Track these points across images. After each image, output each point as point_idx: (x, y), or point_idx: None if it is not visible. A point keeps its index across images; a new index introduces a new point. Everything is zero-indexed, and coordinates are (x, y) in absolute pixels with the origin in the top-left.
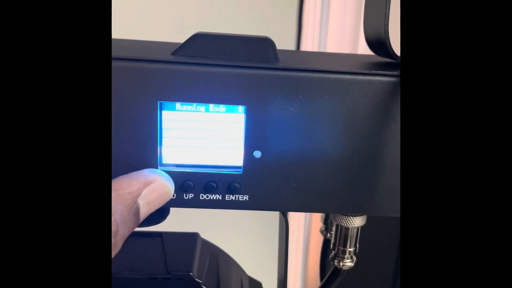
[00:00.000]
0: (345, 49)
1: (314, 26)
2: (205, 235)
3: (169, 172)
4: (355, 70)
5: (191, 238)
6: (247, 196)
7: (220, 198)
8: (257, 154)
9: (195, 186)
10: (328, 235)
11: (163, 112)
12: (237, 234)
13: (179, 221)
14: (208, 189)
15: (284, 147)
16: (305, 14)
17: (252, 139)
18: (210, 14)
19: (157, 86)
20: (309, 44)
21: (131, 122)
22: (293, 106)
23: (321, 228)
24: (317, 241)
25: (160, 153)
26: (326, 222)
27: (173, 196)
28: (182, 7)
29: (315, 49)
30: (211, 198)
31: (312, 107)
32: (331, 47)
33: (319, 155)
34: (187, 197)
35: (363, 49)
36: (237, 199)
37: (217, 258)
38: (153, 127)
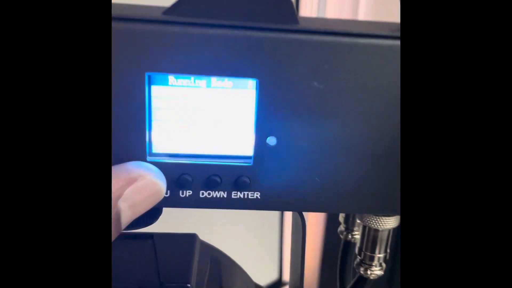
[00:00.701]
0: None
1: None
2: (204, 236)
3: (161, 164)
4: (398, 34)
5: (188, 240)
6: (258, 193)
7: (225, 195)
8: (271, 141)
9: (194, 181)
10: (349, 236)
11: (153, 87)
12: (240, 233)
13: (174, 220)
14: (210, 185)
15: (304, 132)
16: None
17: (265, 122)
18: None
19: (144, 53)
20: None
21: (112, 100)
22: (318, 79)
23: (340, 228)
24: (313, 238)
25: (149, 140)
26: (347, 221)
27: (166, 194)
28: None
29: None
30: (214, 196)
31: (341, 81)
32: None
33: (348, 143)
34: (184, 195)
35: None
36: (245, 196)
37: (219, 264)
38: (140, 106)
